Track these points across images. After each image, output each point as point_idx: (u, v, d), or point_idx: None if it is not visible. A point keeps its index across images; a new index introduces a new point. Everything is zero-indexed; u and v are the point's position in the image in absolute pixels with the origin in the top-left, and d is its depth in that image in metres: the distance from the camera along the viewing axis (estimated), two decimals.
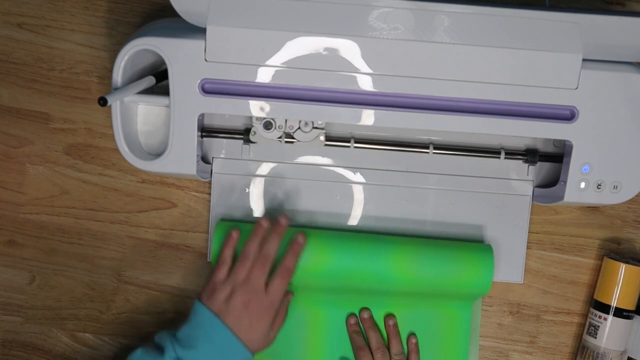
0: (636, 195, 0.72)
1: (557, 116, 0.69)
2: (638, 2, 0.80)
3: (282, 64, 0.67)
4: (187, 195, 0.82)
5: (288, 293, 0.75)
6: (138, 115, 0.74)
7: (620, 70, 0.68)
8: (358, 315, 0.80)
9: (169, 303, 0.83)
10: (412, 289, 0.76)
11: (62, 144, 0.81)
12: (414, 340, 0.80)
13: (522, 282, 0.81)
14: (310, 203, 0.79)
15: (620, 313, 0.78)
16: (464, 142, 0.79)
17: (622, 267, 0.78)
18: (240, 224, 0.76)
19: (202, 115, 0.70)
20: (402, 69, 0.67)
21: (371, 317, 0.80)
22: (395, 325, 0.80)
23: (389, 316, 0.80)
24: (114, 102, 0.68)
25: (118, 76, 0.68)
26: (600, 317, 0.79)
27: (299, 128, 0.75)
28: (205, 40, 0.66)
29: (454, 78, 0.67)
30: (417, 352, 0.80)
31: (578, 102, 0.68)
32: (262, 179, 0.79)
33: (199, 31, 0.66)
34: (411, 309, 0.79)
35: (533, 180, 0.79)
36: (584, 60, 0.67)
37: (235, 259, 0.72)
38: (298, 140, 0.76)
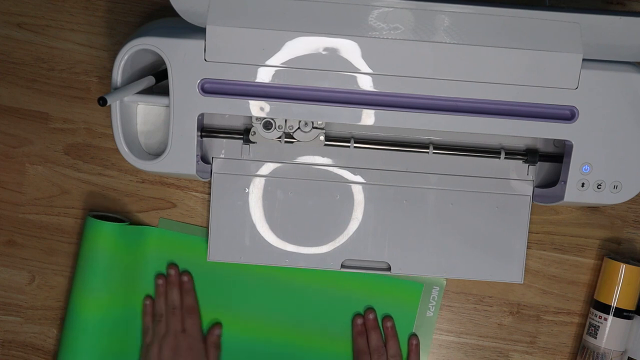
0: (636, 195, 0.72)
1: (557, 116, 0.69)
2: (638, 2, 0.80)
3: (282, 64, 0.67)
4: (187, 195, 0.82)
5: (215, 327, 0.80)
6: (138, 115, 0.74)
7: (620, 70, 0.68)
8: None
9: None
10: None
11: (62, 144, 0.81)
12: (414, 342, 0.80)
13: (522, 282, 0.81)
14: (310, 203, 0.79)
15: (620, 313, 0.78)
16: (464, 142, 0.79)
17: (622, 267, 0.78)
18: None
19: (201, 115, 0.70)
20: (402, 69, 0.67)
21: (375, 318, 0.80)
22: (393, 327, 0.80)
23: (386, 318, 0.80)
24: (114, 102, 0.68)
25: (118, 76, 0.68)
26: (600, 317, 0.79)
27: (299, 128, 0.75)
28: (205, 40, 0.66)
29: (454, 78, 0.67)
30: (418, 353, 0.81)
31: (578, 102, 0.68)
32: (262, 179, 0.79)
33: (198, 31, 0.66)
34: None
35: (533, 180, 0.79)
36: (584, 60, 0.67)
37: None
38: (298, 140, 0.76)
